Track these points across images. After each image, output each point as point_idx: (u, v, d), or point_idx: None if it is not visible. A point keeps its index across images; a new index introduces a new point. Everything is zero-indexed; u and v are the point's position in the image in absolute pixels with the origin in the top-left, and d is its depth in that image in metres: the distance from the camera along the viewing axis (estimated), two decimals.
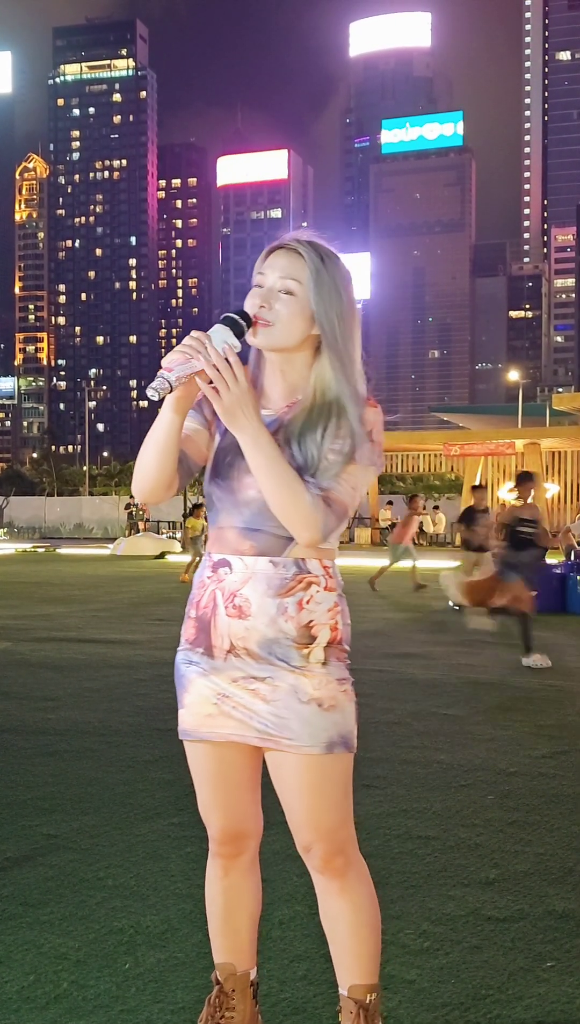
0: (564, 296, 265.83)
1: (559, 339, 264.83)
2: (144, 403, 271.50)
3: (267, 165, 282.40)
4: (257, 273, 2.35)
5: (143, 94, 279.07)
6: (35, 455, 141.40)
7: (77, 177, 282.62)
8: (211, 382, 2.20)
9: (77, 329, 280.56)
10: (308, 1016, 2.87)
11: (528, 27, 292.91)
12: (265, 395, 2.40)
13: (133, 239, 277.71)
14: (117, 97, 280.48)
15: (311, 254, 2.30)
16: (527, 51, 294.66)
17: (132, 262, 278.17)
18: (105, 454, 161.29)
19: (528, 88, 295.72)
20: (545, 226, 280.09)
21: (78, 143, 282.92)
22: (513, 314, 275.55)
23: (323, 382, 2.32)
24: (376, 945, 2.46)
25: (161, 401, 2.26)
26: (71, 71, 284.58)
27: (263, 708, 2.31)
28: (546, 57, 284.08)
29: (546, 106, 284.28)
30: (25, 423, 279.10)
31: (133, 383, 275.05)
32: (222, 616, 2.33)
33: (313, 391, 2.33)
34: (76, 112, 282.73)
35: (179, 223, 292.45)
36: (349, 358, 2.33)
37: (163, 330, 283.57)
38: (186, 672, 2.42)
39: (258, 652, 2.31)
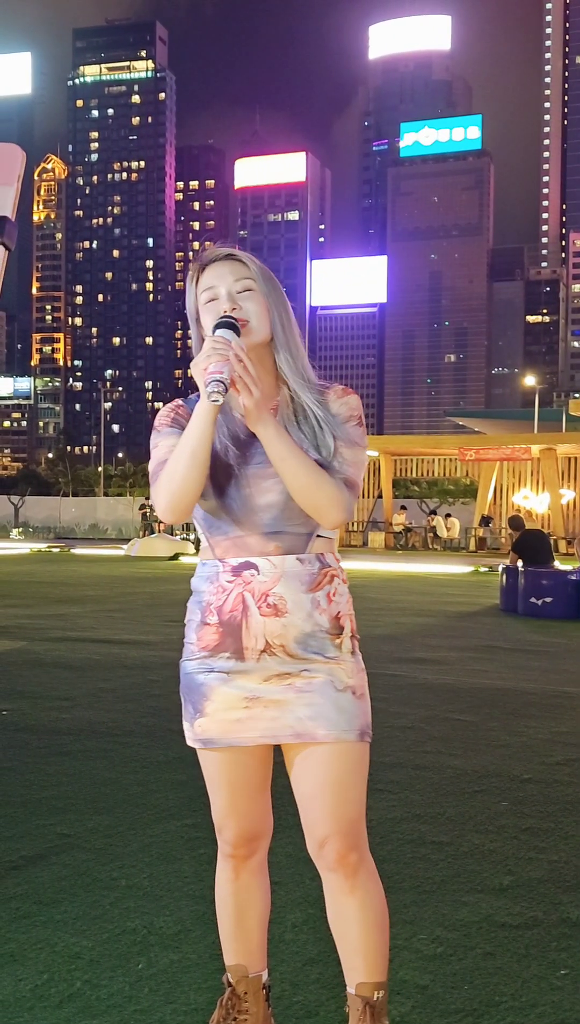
0: None
1: (576, 344, 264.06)
2: (159, 404, 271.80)
3: (285, 167, 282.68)
4: (204, 291, 2.42)
5: (162, 96, 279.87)
6: (51, 455, 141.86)
7: (95, 178, 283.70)
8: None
9: (94, 330, 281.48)
10: (321, 1019, 2.86)
11: (548, 31, 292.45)
12: None
13: (150, 240, 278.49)
14: (136, 99, 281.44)
15: (247, 256, 2.41)
16: (547, 55, 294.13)
17: (149, 263, 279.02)
18: (120, 455, 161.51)
19: (547, 92, 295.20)
20: (563, 231, 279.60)
21: (96, 144, 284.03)
22: (530, 319, 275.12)
23: (291, 378, 2.40)
24: (384, 943, 2.47)
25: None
26: (90, 72, 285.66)
27: (297, 701, 2.35)
28: (566, 61, 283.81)
29: (565, 110, 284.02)
30: (41, 423, 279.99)
31: (149, 384, 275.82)
32: (256, 616, 2.35)
33: (286, 390, 2.41)
34: (95, 113, 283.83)
35: (196, 225, 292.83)
36: (298, 350, 2.43)
37: (179, 332, 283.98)
38: (206, 680, 2.44)
39: (295, 648, 2.35)
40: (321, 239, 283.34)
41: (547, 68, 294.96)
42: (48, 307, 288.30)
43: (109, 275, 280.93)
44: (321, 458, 2.33)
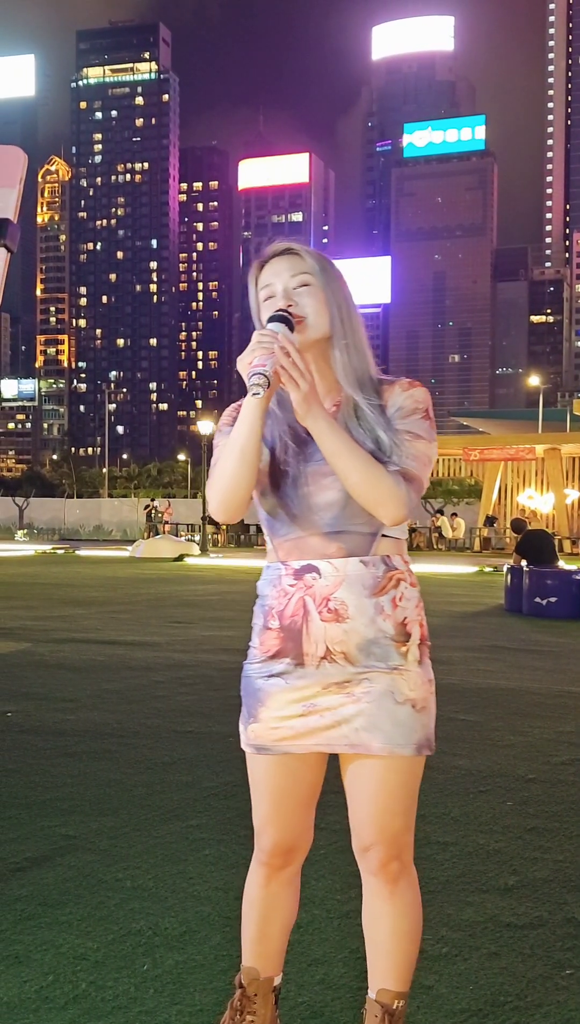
0: None
1: None
2: (164, 406, 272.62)
3: (288, 168, 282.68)
4: (261, 288, 2.38)
5: (165, 97, 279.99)
6: (55, 457, 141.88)
7: (99, 180, 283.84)
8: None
9: (98, 331, 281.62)
10: (326, 1020, 2.86)
11: (552, 31, 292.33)
12: None
13: (154, 242, 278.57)
14: (139, 100, 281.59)
15: (306, 250, 2.35)
16: (550, 55, 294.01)
17: (153, 265, 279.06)
18: (125, 456, 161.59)
19: (551, 92, 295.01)
20: (567, 231, 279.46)
21: (100, 146, 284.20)
22: (534, 319, 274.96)
23: (353, 374, 2.33)
24: (413, 954, 2.44)
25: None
26: (94, 74, 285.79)
27: (354, 710, 2.30)
28: (569, 61, 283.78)
29: (569, 110, 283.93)
30: (45, 425, 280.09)
31: (153, 386, 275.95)
32: (316, 622, 2.30)
33: (348, 386, 2.34)
34: (98, 115, 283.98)
35: (200, 226, 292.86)
36: (358, 348, 2.36)
37: (183, 333, 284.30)
38: (264, 686, 2.37)
39: (356, 655, 2.29)
40: (325, 240, 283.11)
41: (550, 68, 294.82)
42: (52, 309, 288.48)
43: (113, 277, 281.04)
44: (380, 453, 2.26)
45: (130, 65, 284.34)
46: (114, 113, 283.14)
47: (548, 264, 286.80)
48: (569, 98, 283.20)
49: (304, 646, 2.31)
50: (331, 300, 2.33)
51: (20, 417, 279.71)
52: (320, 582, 2.30)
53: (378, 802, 2.35)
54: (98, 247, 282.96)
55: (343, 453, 2.21)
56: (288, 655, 2.34)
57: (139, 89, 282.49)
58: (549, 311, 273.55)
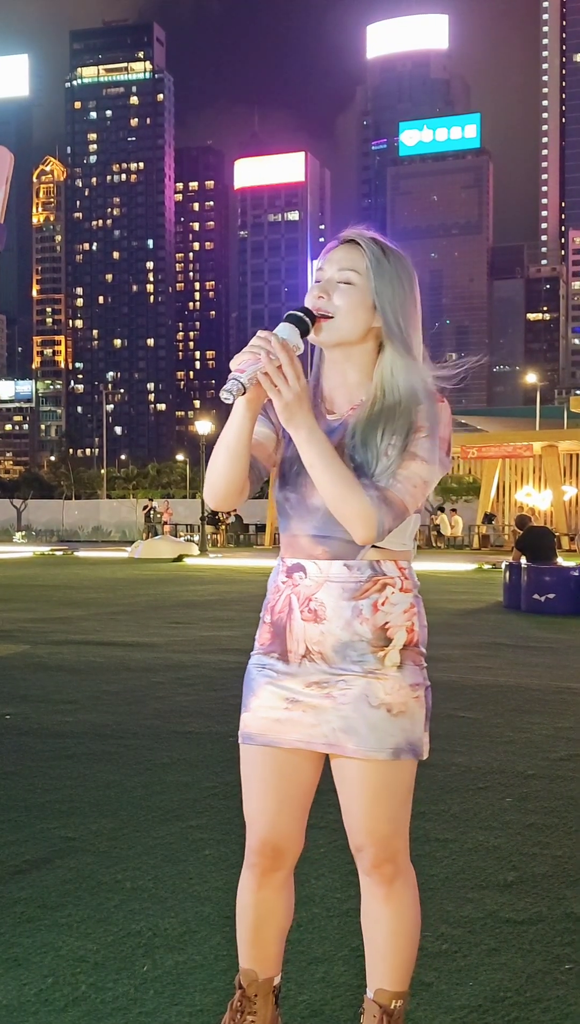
0: None
1: (577, 341, 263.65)
2: (161, 406, 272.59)
3: (284, 168, 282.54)
4: (317, 270, 2.35)
5: (160, 97, 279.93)
6: (53, 458, 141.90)
7: (94, 180, 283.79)
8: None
9: (94, 332, 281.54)
10: (326, 1019, 2.86)
11: (546, 29, 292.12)
12: (330, 400, 2.38)
13: (150, 242, 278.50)
14: (134, 100, 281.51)
15: (371, 245, 2.30)
16: (544, 53, 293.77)
17: (149, 265, 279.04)
18: (123, 457, 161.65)
19: (546, 90, 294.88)
20: (563, 228, 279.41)
21: (95, 146, 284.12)
22: (531, 316, 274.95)
23: (387, 378, 2.29)
24: (412, 954, 2.44)
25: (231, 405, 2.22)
26: (88, 74, 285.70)
27: (332, 712, 2.30)
28: (563, 59, 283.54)
29: (563, 108, 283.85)
30: (43, 426, 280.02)
31: (151, 386, 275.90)
32: (298, 620, 2.33)
33: (375, 389, 2.31)
34: (93, 115, 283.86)
35: (196, 226, 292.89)
36: (413, 351, 2.31)
37: (180, 333, 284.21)
38: (257, 676, 2.40)
39: (333, 656, 2.30)
40: (321, 239, 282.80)
41: (545, 66, 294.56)
42: (48, 310, 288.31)
43: (109, 277, 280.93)
44: (382, 467, 2.23)
45: (124, 65, 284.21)
46: (109, 113, 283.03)
47: (544, 262, 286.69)
48: (564, 95, 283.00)
49: (288, 643, 2.34)
50: (384, 303, 2.27)
51: (17, 418, 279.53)
52: (305, 581, 2.32)
53: (362, 806, 2.35)
54: (94, 247, 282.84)
55: (318, 465, 2.20)
56: (276, 650, 2.37)
57: (134, 89, 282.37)
58: (545, 308, 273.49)
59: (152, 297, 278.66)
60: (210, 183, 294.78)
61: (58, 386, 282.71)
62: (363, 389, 2.34)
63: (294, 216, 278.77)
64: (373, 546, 2.29)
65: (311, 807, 2.49)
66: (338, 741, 2.31)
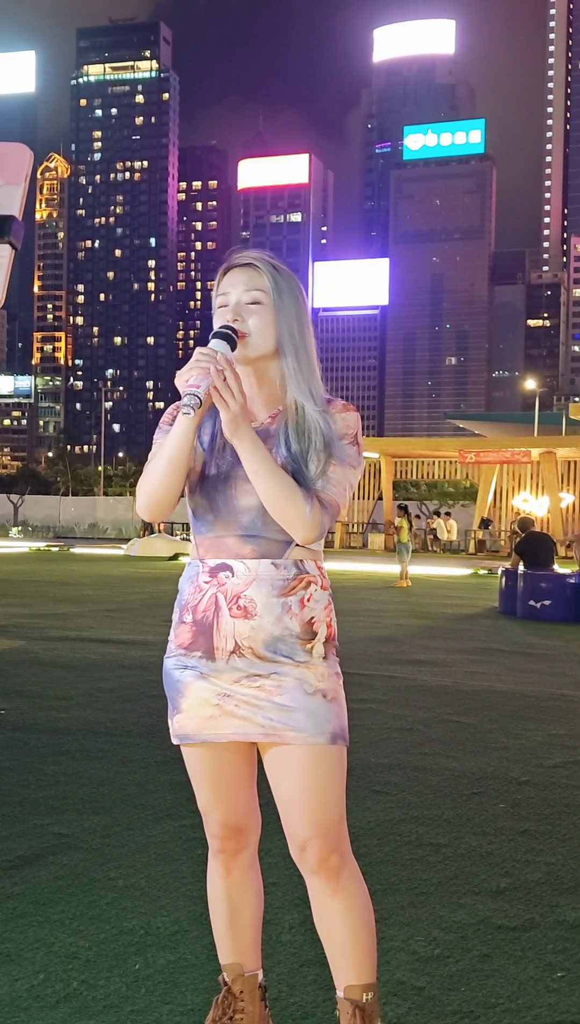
0: None
1: (577, 348, 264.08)
2: (160, 404, 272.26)
3: (288, 169, 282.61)
4: (219, 295, 2.47)
5: (165, 96, 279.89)
6: (50, 454, 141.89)
7: (98, 178, 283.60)
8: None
9: (95, 329, 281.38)
10: (317, 1021, 2.86)
11: (552, 36, 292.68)
12: (248, 411, 2.47)
13: (152, 240, 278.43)
14: (140, 98, 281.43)
15: (267, 266, 2.44)
16: (550, 60, 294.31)
17: (151, 263, 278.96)
18: (120, 455, 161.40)
19: (550, 97, 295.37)
20: (565, 235, 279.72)
21: (100, 144, 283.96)
22: (531, 322, 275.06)
23: (301, 389, 2.42)
24: (371, 943, 2.47)
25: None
26: (94, 72, 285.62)
27: (268, 703, 2.37)
28: (569, 66, 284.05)
29: (568, 115, 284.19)
30: (41, 422, 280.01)
31: (150, 384, 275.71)
32: (226, 618, 2.39)
33: (292, 399, 2.43)
34: (98, 113, 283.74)
35: (199, 225, 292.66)
36: (309, 363, 2.44)
37: (181, 332, 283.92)
38: (181, 677, 2.46)
39: (263, 651, 2.37)
40: (323, 241, 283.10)
41: (550, 73, 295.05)
42: (49, 306, 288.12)
43: (111, 275, 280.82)
44: (312, 472, 2.35)
45: (131, 63, 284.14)
46: (114, 111, 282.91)
47: (546, 268, 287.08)
48: (568, 103, 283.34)
49: (214, 640, 2.40)
50: (282, 320, 2.41)
51: (16, 414, 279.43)
52: (232, 580, 2.39)
53: (307, 795, 2.40)
54: (96, 245, 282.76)
55: (262, 473, 2.32)
56: (200, 649, 2.42)
57: (139, 87, 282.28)
58: (546, 315, 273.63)
59: (153, 295, 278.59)
60: (213, 183, 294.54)
61: (57, 382, 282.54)
62: (278, 399, 2.45)
63: (297, 218, 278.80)
64: (297, 545, 2.39)
65: None
66: (276, 730, 2.38)
